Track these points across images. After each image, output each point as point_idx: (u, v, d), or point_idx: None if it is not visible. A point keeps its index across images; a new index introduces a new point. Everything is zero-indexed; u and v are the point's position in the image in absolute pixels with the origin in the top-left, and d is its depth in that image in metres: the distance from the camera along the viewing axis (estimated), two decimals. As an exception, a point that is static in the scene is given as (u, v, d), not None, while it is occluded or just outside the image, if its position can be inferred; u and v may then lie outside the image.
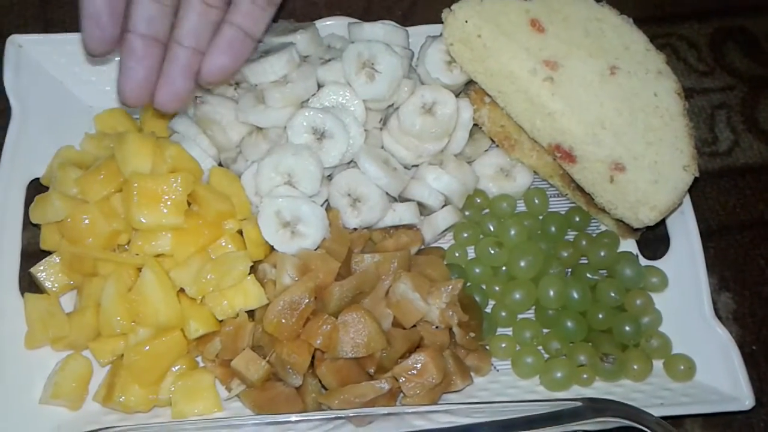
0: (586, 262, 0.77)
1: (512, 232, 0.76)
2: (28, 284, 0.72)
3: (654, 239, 0.79)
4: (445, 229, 0.77)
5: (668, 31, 0.94)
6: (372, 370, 0.67)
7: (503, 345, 0.73)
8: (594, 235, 0.78)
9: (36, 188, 0.76)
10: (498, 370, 0.73)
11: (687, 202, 0.76)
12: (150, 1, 0.62)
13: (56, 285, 0.72)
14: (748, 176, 0.86)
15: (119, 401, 0.67)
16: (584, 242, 0.77)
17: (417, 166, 0.78)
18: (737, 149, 0.88)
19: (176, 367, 0.69)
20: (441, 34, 0.75)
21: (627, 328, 0.72)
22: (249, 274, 0.70)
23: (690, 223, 0.76)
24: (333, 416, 0.63)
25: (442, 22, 0.75)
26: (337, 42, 0.80)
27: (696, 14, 0.95)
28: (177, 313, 0.68)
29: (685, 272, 0.75)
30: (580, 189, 0.76)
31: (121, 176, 0.71)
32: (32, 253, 0.74)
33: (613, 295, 0.73)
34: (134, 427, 0.64)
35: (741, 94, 0.91)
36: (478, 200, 0.79)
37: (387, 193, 0.74)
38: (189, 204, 0.71)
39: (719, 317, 0.74)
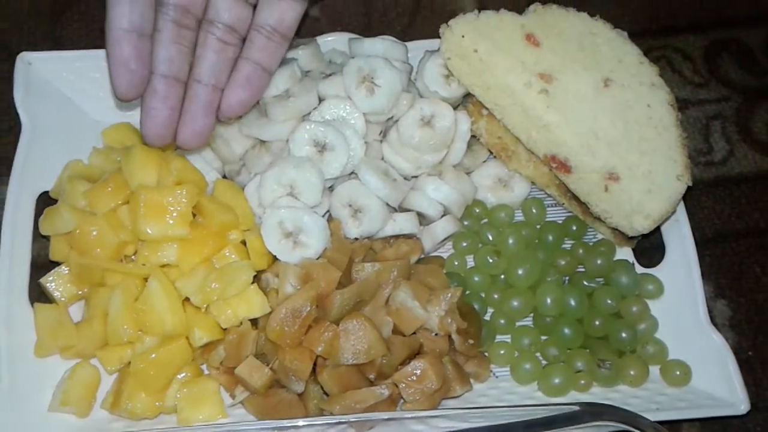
0: (582, 270, 0.78)
1: (510, 241, 0.77)
2: (38, 294, 0.74)
3: (650, 247, 0.80)
4: (445, 239, 0.79)
5: (663, 44, 0.95)
6: (372, 377, 0.68)
7: (502, 352, 0.74)
8: (590, 243, 0.79)
9: (45, 201, 0.77)
10: (497, 377, 0.74)
11: (682, 210, 0.77)
12: (170, 43, 0.64)
13: (65, 295, 0.73)
14: (742, 185, 0.87)
15: (126, 408, 0.68)
16: (581, 251, 0.78)
17: (416, 177, 0.79)
18: (732, 159, 0.89)
19: (182, 375, 0.71)
20: (439, 49, 0.77)
21: (623, 335, 0.73)
22: (252, 283, 0.71)
23: (685, 231, 0.77)
24: (335, 421, 0.64)
25: (440, 38, 0.76)
26: (337, 57, 0.82)
27: (691, 27, 0.97)
28: (182, 322, 0.70)
29: (680, 279, 0.76)
30: (576, 198, 0.77)
31: (128, 189, 0.73)
32: (42, 264, 0.75)
33: (609, 302, 0.74)
34: (141, 434, 0.66)
35: (735, 105, 0.92)
36: (477, 210, 0.81)
37: (387, 204, 0.76)
38: (194, 215, 0.72)
39: (715, 324, 0.75)
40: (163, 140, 0.66)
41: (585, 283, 0.77)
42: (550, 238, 0.79)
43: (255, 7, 0.67)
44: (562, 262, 0.78)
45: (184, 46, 0.64)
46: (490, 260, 0.77)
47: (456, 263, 0.78)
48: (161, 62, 0.64)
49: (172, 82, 0.64)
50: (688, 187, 0.74)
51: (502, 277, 0.78)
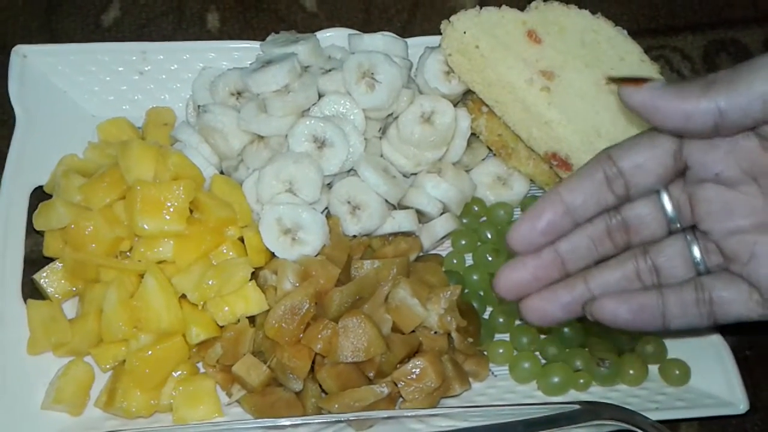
0: (582, 269, 0.78)
1: (509, 240, 0.77)
2: (31, 291, 0.73)
3: (649, 246, 0.80)
4: (444, 237, 0.78)
5: (662, 43, 0.95)
6: (372, 375, 0.68)
7: (501, 350, 0.74)
8: (590, 242, 0.79)
9: (39, 196, 0.76)
10: (496, 376, 0.74)
11: (681, 209, 0.77)
12: (585, 237, 0.58)
13: (59, 291, 0.72)
14: (741, 185, 0.87)
15: (121, 407, 0.68)
16: (580, 249, 0.78)
17: (416, 174, 0.79)
18: (730, 159, 0.89)
19: (177, 373, 0.70)
20: (439, 45, 0.77)
21: (622, 334, 0.73)
22: (250, 280, 0.70)
23: (684, 230, 0.77)
24: (333, 420, 0.64)
25: (440, 34, 0.76)
26: (337, 53, 0.81)
27: (689, 26, 0.97)
28: (178, 319, 0.69)
29: (679, 279, 0.75)
30: (576, 197, 0.77)
31: (124, 184, 0.72)
32: (35, 260, 0.74)
33: (609, 301, 0.74)
34: (135, 432, 0.65)
35: (734, 105, 0.92)
36: (476, 208, 0.80)
37: (386, 201, 0.75)
38: (191, 211, 0.72)
39: (714, 323, 0.75)
40: (508, 294, 0.60)
41: (584, 281, 0.76)
42: (550, 236, 0.78)
43: (701, 274, 0.58)
44: (562, 261, 0.77)
45: (597, 249, 0.59)
46: (489, 258, 0.76)
47: (455, 261, 0.78)
48: (565, 242, 0.58)
49: (559, 263, 0.59)
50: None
51: (501, 275, 0.77)
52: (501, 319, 0.75)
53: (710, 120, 0.51)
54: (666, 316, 0.57)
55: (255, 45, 0.82)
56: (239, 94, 0.78)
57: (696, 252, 0.58)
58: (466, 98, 0.80)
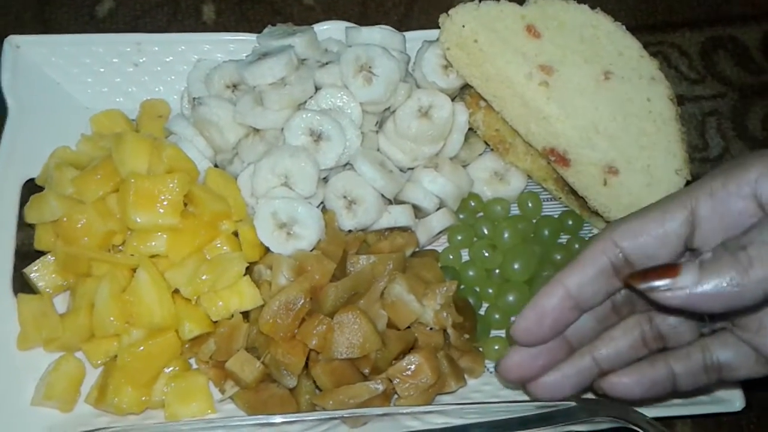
0: (579, 265, 0.77)
1: (506, 235, 0.77)
2: (21, 285, 0.72)
3: (646, 243, 0.80)
4: (440, 232, 0.78)
5: (660, 39, 0.95)
6: (367, 371, 0.67)
7: (496, 347, 0.73)
8: (587, 238, 0.79)
9: (31, 188, 0.75)
10: (491, 372, 0.73)
11: (679, 206, 0.77)
12: (593, 320, 0.59)
13: (50, 285, 0.71)
14: (738, 182, 0.87)
15: (112, 403, 0.67)
16: (577, 246, 0.77)
17: (412, 168, 0.78)
18: (728, 156, 0.89)
19: (170, 369, 0.69)
20: (437, 39, 0.76)
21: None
22: (244, 275, 0.70)
23: (682, 227, 0.76)
24: (327, 417, 0.63)
25: (437, 28, 0.75)
26: (334, 46, 0.80)
27: (687, 23, 0.96)
28: (171, 314, 0.68)
29: (677, 276, 0.75)
30: (573, 192, 0.77)
31: (117, 176, 0.71)
32: (26, 254, 0.73)
33: (606, 298, 0.74)
34: (127, 429, 0.65)
35: (731, 102, 0.92)
36: (473, 203, 0.80)
37: (382, 196, 0.74)
38: (185, 205, 0.71)
39: (710, 321, 0.75)
40: (514, 380, 0.61)
41: (581, 278, 0.76)
42: (546, 232, 0.78)
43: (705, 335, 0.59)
44: (558, 257, 0.77)
45: (602, 325, 0.60)
46: (486, 254, 0.76)
47: (451, 257, 0.77)
48: (572, 327, 0.58)
49: (565, 345, 0.59)
50: (685, 183, 0.73)
51: (497, 271, 0.77)
52: (497, 316, 0.74)
53: (760, 294, 0.49)
54: (676, 385, 0.59)
55: (251, 37, 0.81)
56: (235, 86, 0.78)
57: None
58: (464, 92, 0.79)
